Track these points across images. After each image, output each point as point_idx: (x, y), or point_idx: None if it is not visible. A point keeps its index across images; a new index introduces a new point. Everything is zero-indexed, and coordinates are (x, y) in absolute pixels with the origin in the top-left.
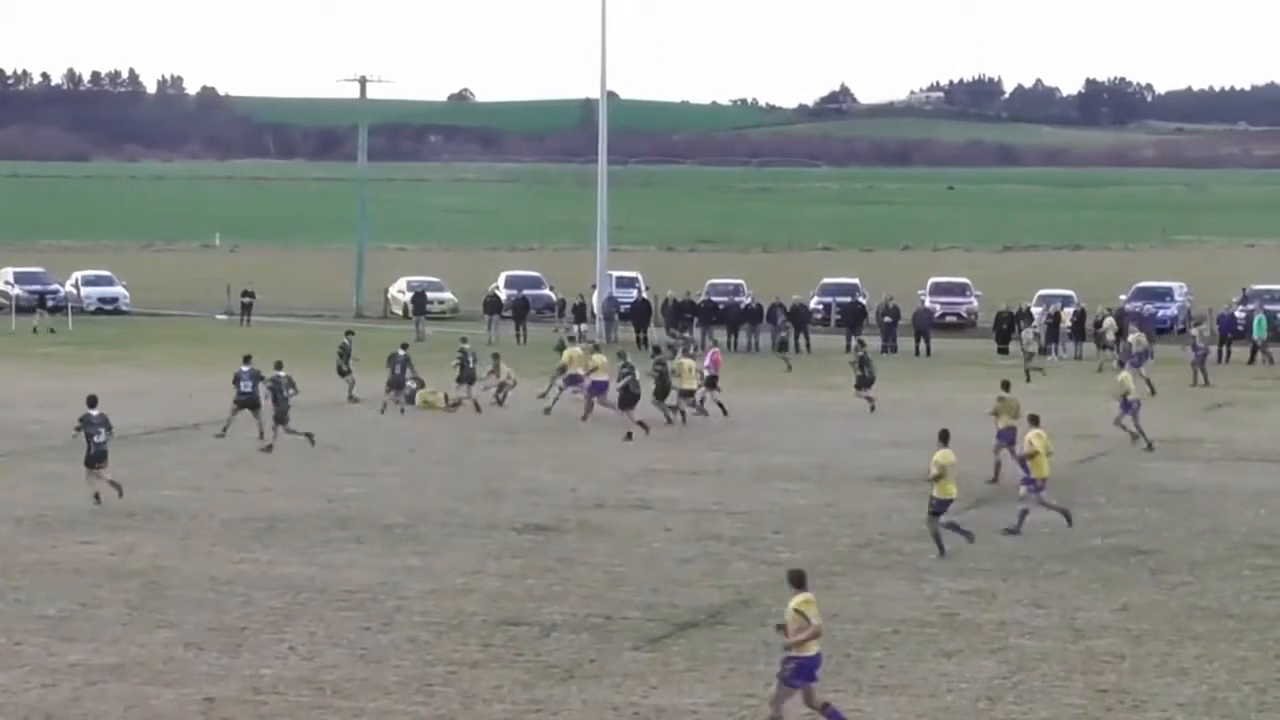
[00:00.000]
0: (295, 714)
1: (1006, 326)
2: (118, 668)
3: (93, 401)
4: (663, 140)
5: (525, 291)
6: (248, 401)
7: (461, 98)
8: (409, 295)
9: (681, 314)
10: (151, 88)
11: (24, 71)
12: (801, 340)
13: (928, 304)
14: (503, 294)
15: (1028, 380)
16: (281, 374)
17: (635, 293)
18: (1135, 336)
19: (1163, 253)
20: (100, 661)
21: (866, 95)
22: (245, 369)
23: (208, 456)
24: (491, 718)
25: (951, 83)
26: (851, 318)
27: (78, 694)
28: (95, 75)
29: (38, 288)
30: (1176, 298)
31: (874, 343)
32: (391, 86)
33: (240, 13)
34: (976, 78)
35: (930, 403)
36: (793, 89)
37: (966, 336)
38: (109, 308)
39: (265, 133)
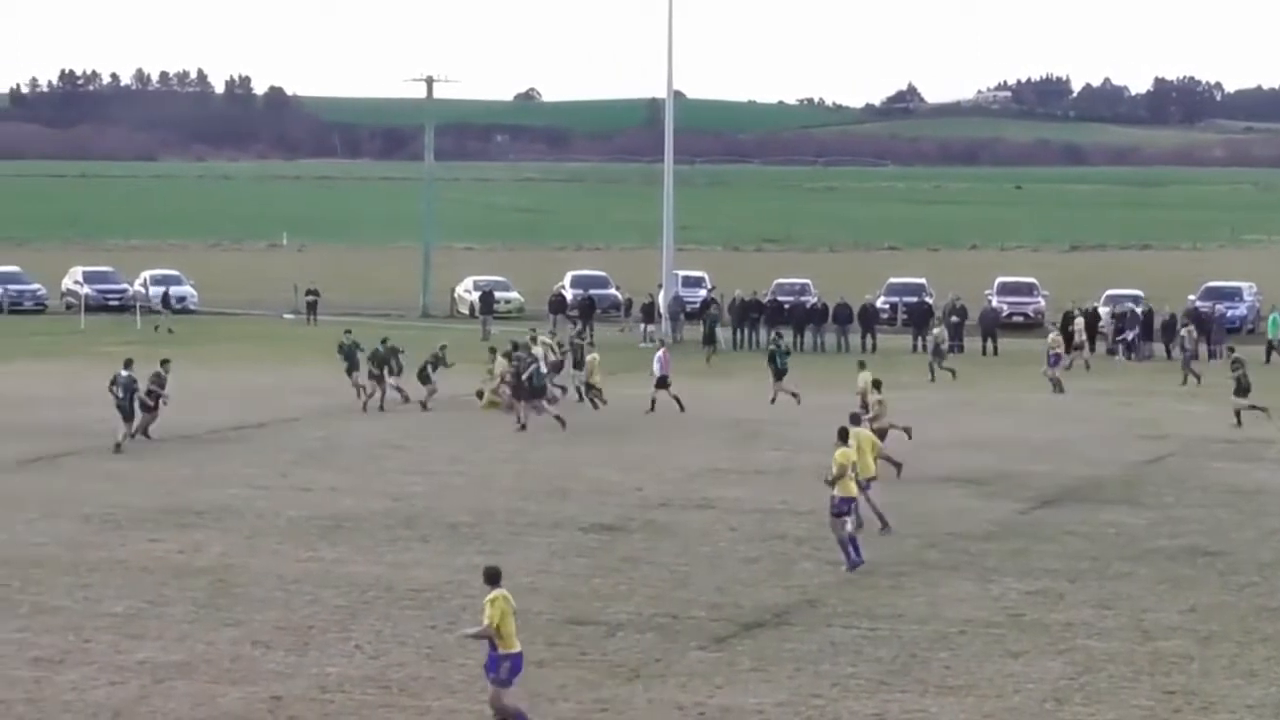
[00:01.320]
0: (361, 712)
1: (1073, 327)
2: (185, 665)
3: None
4: (729, 139)
5: (592, 291)
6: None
7: (528, 97)
8: (476, 295)
9: (748, 313)
10: (219, 88)
11: (93, 71)
12: (869, 340)
13: (995, 304)
14: (568, 293)
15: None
16: (125, 373)
17: (702, 292)
18: (1052, 337)
19: (1231, 252)
20: (168, 659)
21: (934, 95)
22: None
23: (274, 455)
24: (557, 717)
25: (1019, 82)
26: (918, 317)
27: (145, 691)
28: (164, 75)
29: (107, 286)
30: (1245, 297)
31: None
32: (458, 86)
33: (308, 13)
34: (1044, 77)
35: (996, 402)
36: (860, 88)
37: (1034, 336)
38: (177, 307)
39: (332, 132)
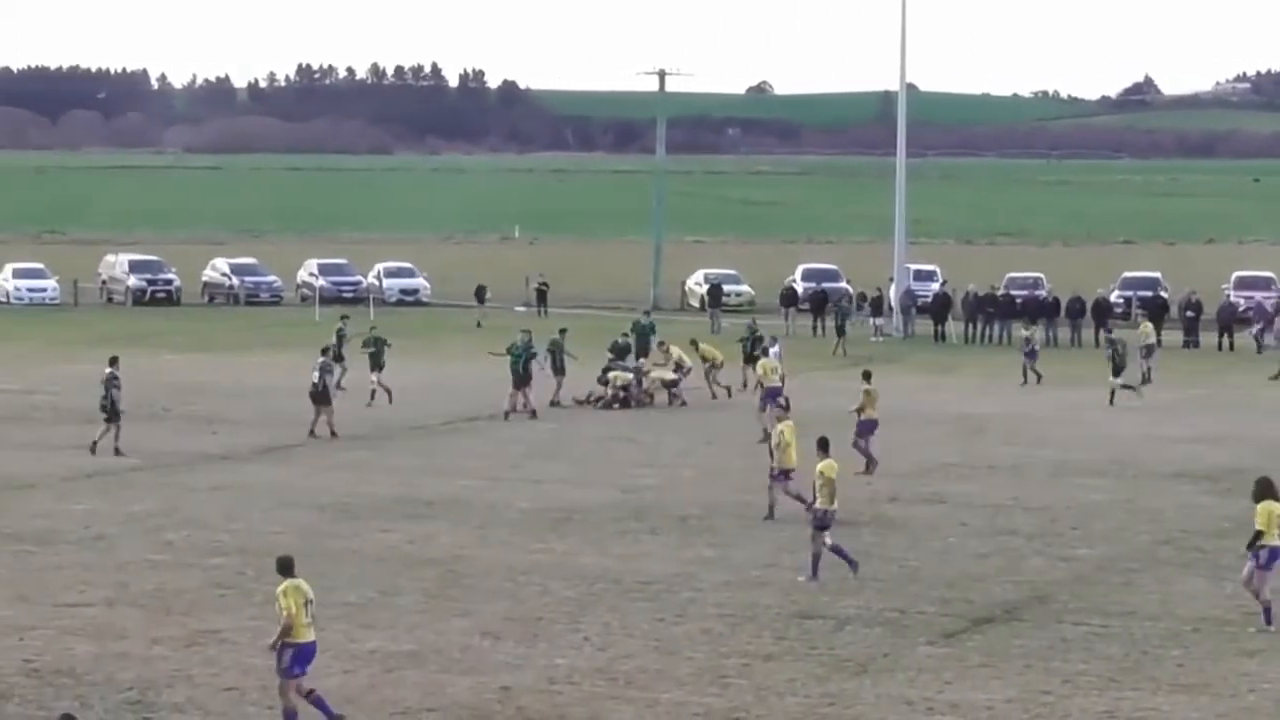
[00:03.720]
0: (589, 704)
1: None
2: (415, 655)
3: None
4: (962, 132)
5: (824, 284)
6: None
7: (760, 90)
8: (705, 287)
9: (983, 307)
10: (454, 81)
11: (330, 66)
12: (1101, 335)
13: (1231, 298)
14: (799, 286)
15: None
16: (108, 370)
17: (934, 286)
18: (1144, 327)
19: None
20: (398, 649)
21: (1171, 86)
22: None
23: (506, 447)
24: (785, 711)
25: (1259, 73)
26: (1153, 312)
27: (376, 680)
28: (399, 69)
29: (341, 278)
30: None
31: (1176, 337)
32: (690, 79)
33: (541, 7)
34: None
35: (1232, 398)
36: (1095, 80)
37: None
38: (410, 299)
39: (565, 126)
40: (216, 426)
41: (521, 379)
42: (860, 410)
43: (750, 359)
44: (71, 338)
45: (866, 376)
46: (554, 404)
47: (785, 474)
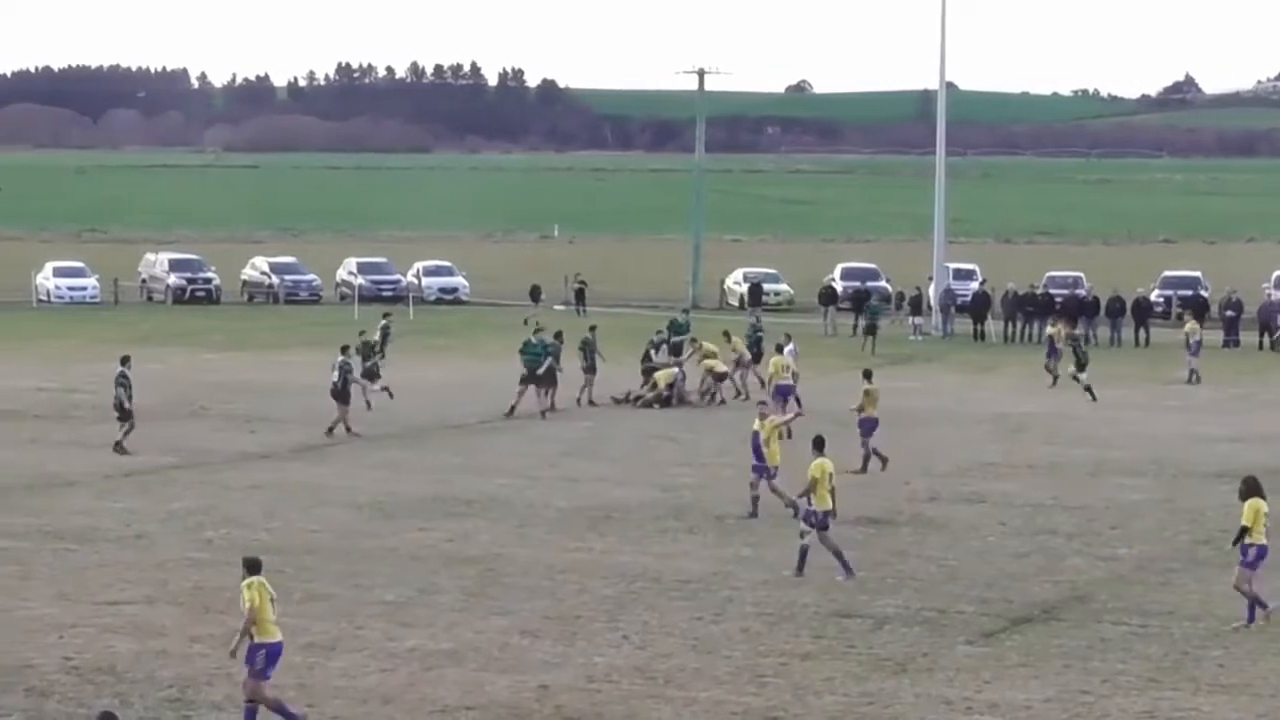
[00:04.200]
0: (628, 702)
1: None
2: (454, 654)
3: None
4: (1002, 131)
5: (868, 284)
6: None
7: (799, 89)
8: (745, 286)
9: (1022, 306)
10: (493, 80)
11: (369, 65)
12: (1141, 334)
13: (1272, 297)
14: (838, 285)
15: None
16: (120, 369)
17: (973, 285)
18: (1190, 325)
19: None
20: (437, 647)
21: (1211, 85)
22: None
23: (543, 446)
24: (823, 710)
25: None
26: (1194, 311)
27: (415, 679)
28: (438, 68)
29: (380, 277)
30: None
31: (1216, 336)
32: (730, 78)
33: (581, 6)
34: None
35: (1273, 397)
36: (1135, 79)
37: None
38: (449, 298)
39: (604, 125)
40: (255, 425)
41: (542, 379)
42: (861, 409)
43: (753, 359)
44: (112, 336)
45: (867, 375)
46: (590, 403)
47: (773, 470)
